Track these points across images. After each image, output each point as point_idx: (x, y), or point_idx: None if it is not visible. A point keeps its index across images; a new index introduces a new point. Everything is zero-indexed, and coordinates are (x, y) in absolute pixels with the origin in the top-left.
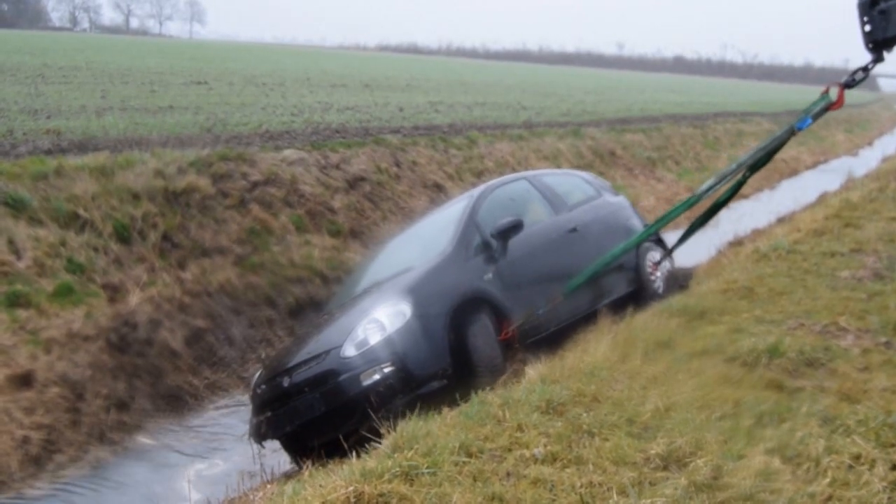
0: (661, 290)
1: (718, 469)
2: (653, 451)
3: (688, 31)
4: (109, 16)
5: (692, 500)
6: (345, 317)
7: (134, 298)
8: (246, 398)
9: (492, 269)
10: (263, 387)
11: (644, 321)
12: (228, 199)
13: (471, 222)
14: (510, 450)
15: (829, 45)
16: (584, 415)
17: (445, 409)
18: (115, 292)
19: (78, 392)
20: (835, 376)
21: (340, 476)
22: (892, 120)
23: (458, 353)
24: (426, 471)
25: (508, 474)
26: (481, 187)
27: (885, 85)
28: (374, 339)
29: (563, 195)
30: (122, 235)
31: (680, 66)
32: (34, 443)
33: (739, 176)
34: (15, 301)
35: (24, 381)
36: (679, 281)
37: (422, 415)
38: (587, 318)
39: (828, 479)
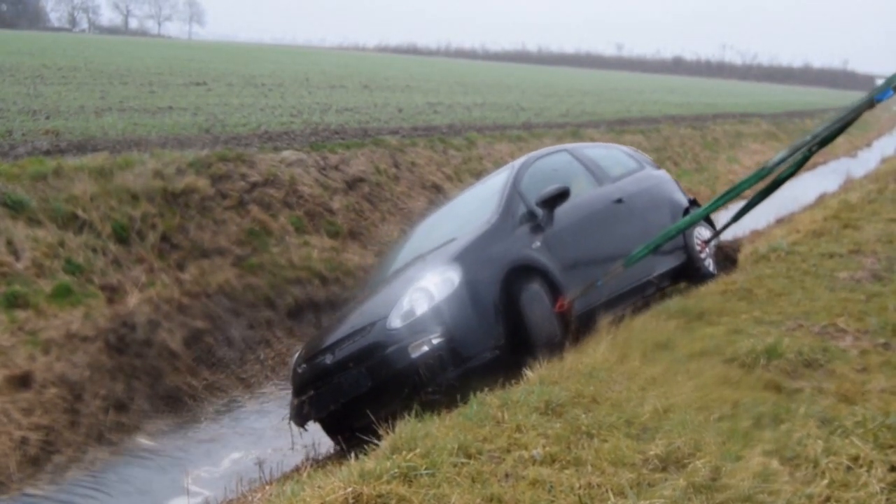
0: (712, 269)
1: (717, 470)
2: (651, 453)
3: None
4: (108, 16)
5: (691, 501)
6: (388, 288)
7: (133, 299)
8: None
9: (539, 239)
10: (304, 366)
11: (643, 322)
12: (227, 200)
13: (514, 191)
14: (509, 451)
15: (828, 46)
16: (583, 416)
17: (444, 411)
18: (113, 293)
19: (76, 393)
20: (833, 377)
21: (339, 477)
22: (891, 121)
23: (511, 324)
24: (425, 472)
25: (507, 475)
26: (522, 158)
27: None
28: (422, 308)
29: (605, 167)
30: (121, 236)
31: (679, 67)
32: (32, 443)
33: (806, 150)
34: (13, 302)
35: (23, 381)
36: (728, 256)
37: (420, 416)
38: (636, 291)
39: (826, 481)
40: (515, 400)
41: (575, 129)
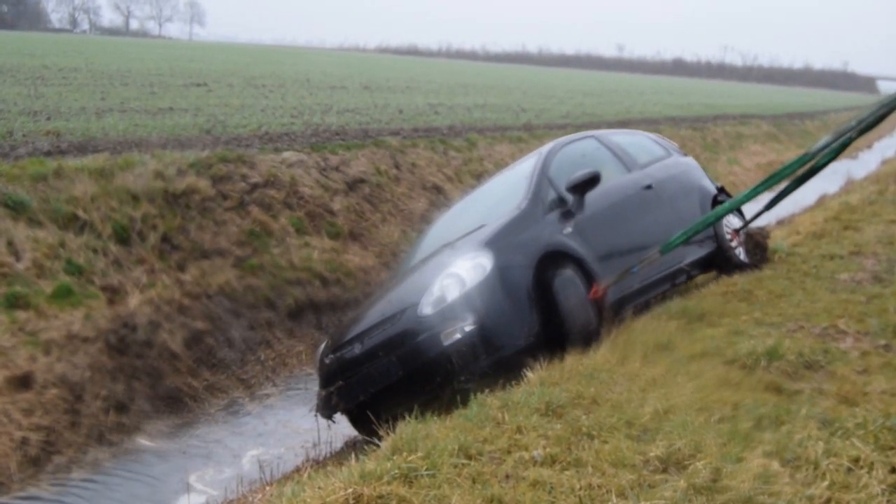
0: (743, 257)
1: (717, 471)
2: (652, 454)
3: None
4: (109, 17)
5: (691, 502)
6: (417, 276)
7: (133, 300)
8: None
9: (570, 224)
10: (332, 356)
11: (643, 323)
12: (228, 201)
13: (543, 177)
14: (509, 452)
15: (828, 47)
16: (584, 417)
17: (444, 414)
18: (114, 294)
19: (77, 393)
20: (834, 379)
21: (339, 478)
22: (892, 123)
23: (545, 312)
24: (425, 473)
25: (507, 476)
26: (549, 145)
27: (885, 87)
28: (453, 295)
29: (632, 154)
30: (122, 237)
31: (679, 68)
32: (33, 444)
33: (847, 137)
34: (14, 302)
35: (23, 382)
36: (758, 243)
37: (421, 417)
38: (668, 279)
39: (826, 482)
40: (516, 401)
41: (576, 131)
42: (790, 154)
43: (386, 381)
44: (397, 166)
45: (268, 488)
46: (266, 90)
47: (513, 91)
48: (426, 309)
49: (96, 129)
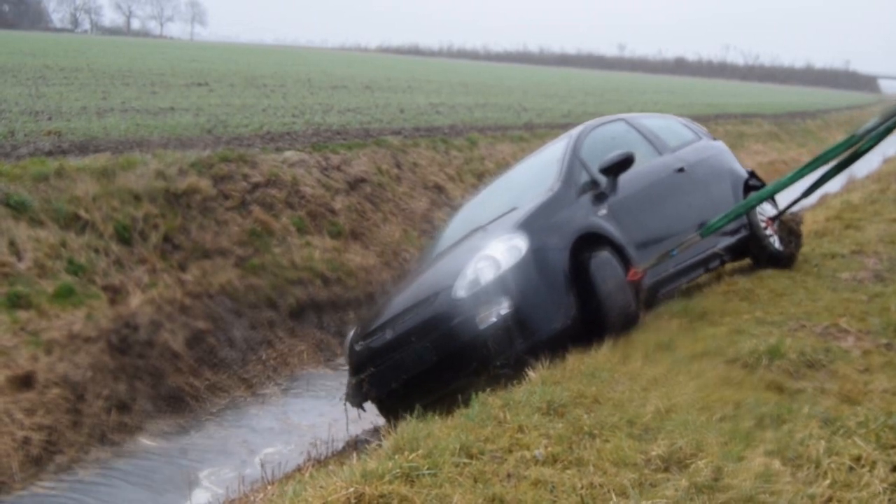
0: (778, 246)
1: (719, 470)
2: (653, 453)
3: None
4: (110, 17)
5: (693, 501)
6: (449, 259)
7: (135, 300)
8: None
9: (604, 207)
10: (362, 343)
11: (645, 322)
12: (229, 201)
13: (575, 159)
14: (511, 451)
15: (830, 46)
16: (585, 416)
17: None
18: (115, 294)
19: (79, 393)
20: (835, 378)
21: (341, 477)
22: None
23: (582, 295)
24: (427, 472)
25: (509, 475)
26: (579, 127)
27: (886, 86)
28: (487, 277)
29: (663, 137)
30: (123, 237)
31: (681, 67)
32: (35, 444)
33: (891, 121)
34: (16, 302)
35: (25, 382)
36: (792, 230)
37: (422, 416)
38: (702, 263)
39: (828, 481)
40: (517, 400)
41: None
42: (791, 153)
43: (419, 367)
44: (398, 166)
45: (269, 487)
46: (267, 90)
47: (514, 90)
48: (460, 292)
49: (98, 128)
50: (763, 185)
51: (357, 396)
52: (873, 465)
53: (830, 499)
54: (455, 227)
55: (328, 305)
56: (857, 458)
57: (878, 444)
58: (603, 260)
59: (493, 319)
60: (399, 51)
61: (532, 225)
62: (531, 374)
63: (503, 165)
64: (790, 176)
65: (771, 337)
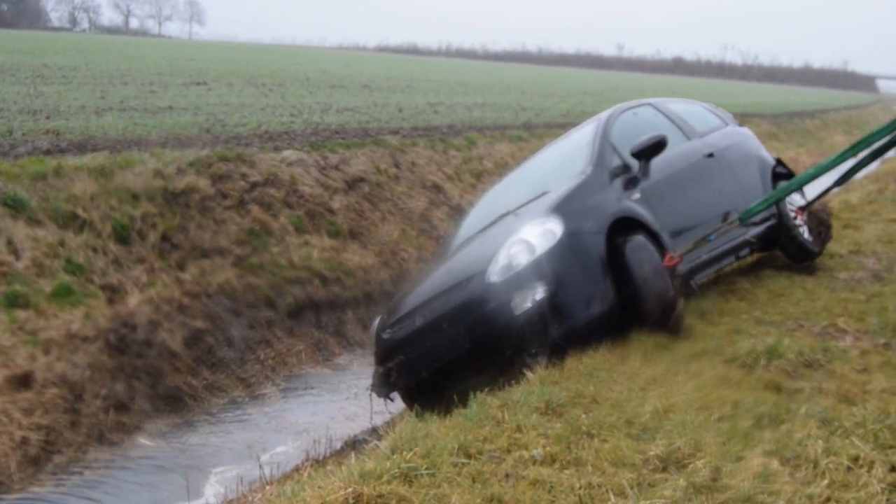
0: (807, 236)
1: (717, 470)
2: (652, 453)
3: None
4: (109, 16)
5: (691, 501)
6: (479, 244)
7: (133, 299)
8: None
9: (637, 191)
10: (389, 331)
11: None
12: (228, 200)
13: (605, 142)
14: (509, 451)
15: (828, 46)
16: (583, 416)
17: (441, 415)
18: (114, 293)
19: (77, 393)
20: (833, 378)
21: (339, 477)
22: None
23: (617, 281)
24: (425, 472)
25: (507, 475)
26: (607, 111)
27: (884, 86)
28: (522, 261)
29: (691, 122)
30: (121, 236)
31: (679, 67)
32: (33, 443)
33: None
34: (14, 301)
35: (23, 381)
36: (822, 221)
37: (421, 416)
38: (733, 251)
39: (826, 481)
40: (516, 400)
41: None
42: (790, 153)
43: (452, 354)
44: (397, 165)
45: (268, 487)
46: (266, 89)
47: (512, 90)
48: (493, 277)
49: (96, 127)
50: (789, 172)
51: (385, 386)
52: (871, 465)
53: (828, 499)
54: (481, 212)
55: (326, 305)
56: (855, 459)
57: (875, 444)
58: (639, 244)
59: (528, 305)
60: (397, 50)
61: (566, 208)
62: (529, 373)
63: (502, 165)
64: (832, 160)
65: (769, 337)
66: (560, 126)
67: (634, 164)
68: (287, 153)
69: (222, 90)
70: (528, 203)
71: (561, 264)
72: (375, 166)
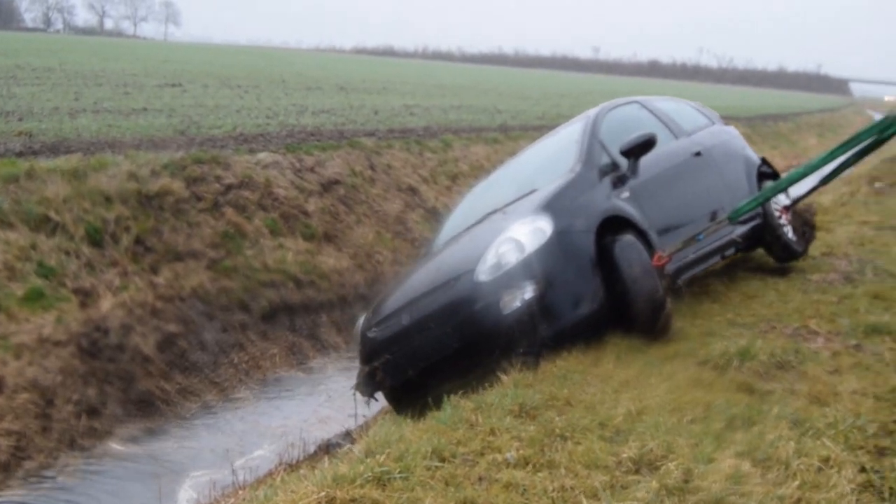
0: (792, 236)
1: (689, 472)
2: (625, 455)
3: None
4: (83, 17)
5: (663, 503)
6: (467, 242)
7: (106, 303)
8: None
9: (626, 190)
10: (375, 329)
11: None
12: (202, 203)
13: (594, 140)
14: (483, 454)
15: (802, 50)
16: (557, 419)
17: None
18: (86, 297)
19: (48, 398)
20: (805, 379)
21: (312, 481)
22: (864, 124)
23: (607, 280)
24: (398, 475)
25: (481, 479)
26: (595, 109)
27: (857, 90)
28: (511, 260)
29: (678, 120)
30: (94, 239)
31: (655, 70)
32: (3, 449)
33: None
34: None
35: None
36: (806, 221)
37: (395, 420)
38: (720, 250)
39: (797, 482)
40: (489, 403)
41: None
42: (764, 154)
43: (439, 354)
44: (372, 167)
45: (240, 492)
46: (241, 91)
47: (488, 92)
48: (482, 276)
49: (69, 129)
50: (774, 171)
51: (370, 386)
52: (842, 466)
53: (799, 500)
54: (467, 209)
55: (301, 308)
56: (826, 460)
57: (846, 446)
58: (628, 244)
59: (517, 304)
60: (374, 52)
61: (555, 206)
62: (503, 376)
63: (478, 167)
64: (820, 159)
65: (742, 339)
66: (535, 129)
67: (623, 162)
68: (262, 155)
69: (197, 92)
70: (516, 201)
71: (550, 263)
72: (351, 168)
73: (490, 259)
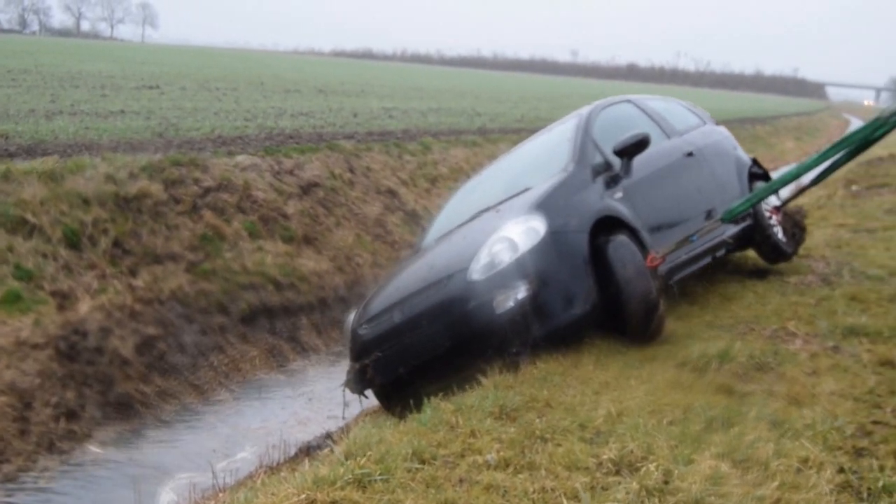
0: (781, 236)
1: (669, 473)
2: (605, 456)
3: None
4: (60, 18)
5: None
6: (460, 240)
7: (84, 306)
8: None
9: (619, 190)
10: (366, 326)
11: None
12: (180, 205)
13: (588, 139)
14: (463, 456)
15: (779, 54)
16: (537, 420)
17: (395, 420)
18: (64, 300)
19: (26, 401)
20: (784, 380)
21: (292, 483)
22: (840, 128)
23: (600, 281)
24: (379, 477)
25: (461, 480)
26: (588, 107)
27: (834, 94)
28: (505, 260)
29: (670, 120)
30: (72, 241)
31: (633, 73)
32: None
33: None
34: None
35: None
36: (796, 223)
37: (376, 421)
38: (711, 251)
39: (776, 483)
40: (470, 405)
41: (530, 135)
42: None
43: (431, 352)
44: (351, 170)
45: (221, 495)
46: (219, 93)
47: (467, 95)
48: (475, 275)
49: (46, 131)
50: (764, 172)
51: (360, 383)
52: (820, 466)
53: (778, 500)
54: (458, 206)
55: (280, 310)
56: (805, 460)
57: (825, 446)
58: (621, 244)
59: (511, 304)
60: (353, 55)
61: (549, 206)
62: (483, 378)
63: (457, 170)
64: (814, 159)
65: (720, 341)
66: (514, 131)
67: (616, 161)
68: (241, 158)
69: (175, 94)
70: (509, 199)
71: (544, 263)
72: (330, 171)
73: (483, 258)
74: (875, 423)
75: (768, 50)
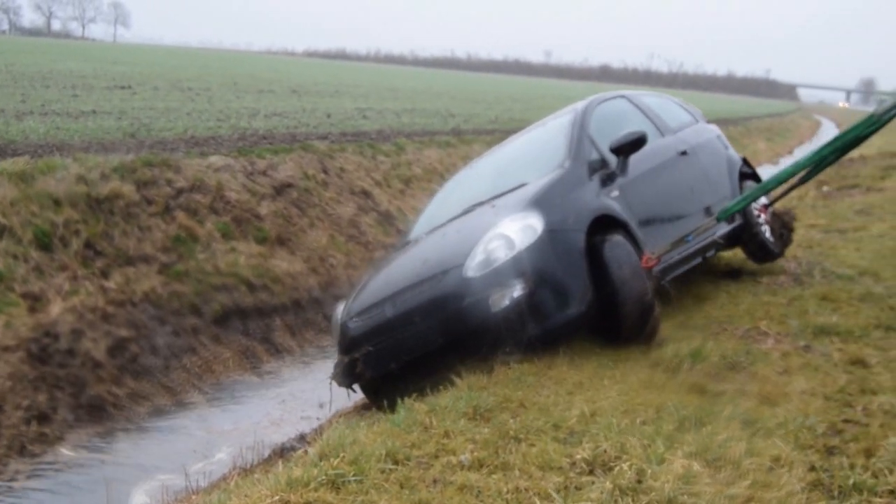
0: (769, 236)
1: (642, 473)
2: (578, 456)
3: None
4: (30, 17)
5: (617, 503)
6: (454, 235)
7: (55, 308)
8: None
9: (616, 188)
10: (356, 320)
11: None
12: (153, 206)
13: (584, 135)
14: (437, 456)
15: (751, 55)
16: (511, 421)
17: (369, 422)
18: (35, 301)
19: None
20: (755, 380)
21: (266, 485)
22: (811, 129)
23: (595, 281)
24: (353, 479)
25: (435, 481)
26: (584, 102)
27: (806, 95)
28: (501, 257)
29: (664, 118)
30: (43, 243)
31: (607, 74)
32: None
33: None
34: None
35: None
36: (785, 223)
37: (350, 422)
38: (703, 251)
39: (748, 482)
40: (443, 405)
41: (504, 136)
42: None
43: (423, 348)
44: (325, 171)
45: (194, 497)
46: (192, 93)
47: (441, 96)
48: (471, 272)
49: (16, 131)
50: (753, 172)
51: (349, 377)
52: (792, 464)
53: (750, 499)
54: (449, 200)
55: (254, 312)
56: (777, 459)
57: (796, 445)
58: (617, 244)
59: (506, 302)
60: (326, 55)
61: (546, 203)
62: (457, 379)
63: (431, 171)
64: (808, 157)
65: (693, 340)
66: (488, 132)
67: (612, 159)
68: (214, 158)
69: (147, 94)
70: (505, 194)
71: (541, 262)
72: (304, 172)
73: (479, 255)
74: (846, 421)
75: (741, 52)
